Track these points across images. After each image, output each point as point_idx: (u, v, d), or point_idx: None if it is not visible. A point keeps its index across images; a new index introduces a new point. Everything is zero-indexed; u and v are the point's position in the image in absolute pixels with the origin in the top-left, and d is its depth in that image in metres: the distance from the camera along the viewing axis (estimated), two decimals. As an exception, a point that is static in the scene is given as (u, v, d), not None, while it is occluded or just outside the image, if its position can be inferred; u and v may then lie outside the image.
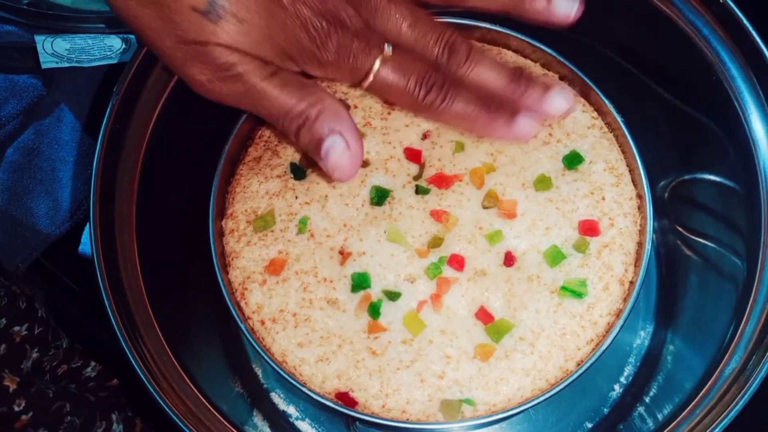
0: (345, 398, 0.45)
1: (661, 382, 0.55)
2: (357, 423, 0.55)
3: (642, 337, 0.59)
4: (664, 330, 0.58)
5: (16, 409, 0.44)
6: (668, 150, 0.60)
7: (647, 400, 0.55)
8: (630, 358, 0.58)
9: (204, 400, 0.46)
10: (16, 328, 0.47)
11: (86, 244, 0.66)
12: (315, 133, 0.40)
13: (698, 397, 0.41)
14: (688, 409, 0.41)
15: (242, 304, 0.48)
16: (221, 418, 0.46)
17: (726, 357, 0.42)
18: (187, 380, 0.47)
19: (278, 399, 0.59)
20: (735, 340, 0.42)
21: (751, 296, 0.43)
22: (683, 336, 0.55)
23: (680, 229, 0.60)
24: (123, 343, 0.44)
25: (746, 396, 0.38)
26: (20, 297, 0.48)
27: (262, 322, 0.47)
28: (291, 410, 0.59)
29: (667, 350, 0.57)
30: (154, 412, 0.46)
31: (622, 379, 0.58)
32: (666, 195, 0.61)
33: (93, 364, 0.56)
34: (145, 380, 0.43)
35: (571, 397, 0.58)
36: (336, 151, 0.40)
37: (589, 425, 0.56)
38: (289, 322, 0.47)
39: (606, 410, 0.57)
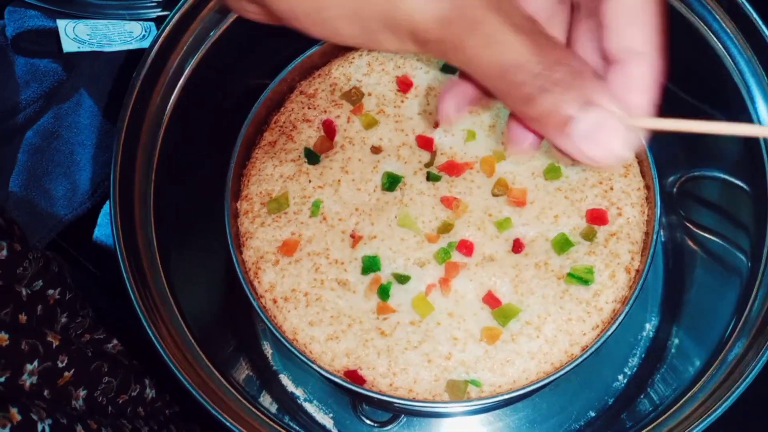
0: (353, 376, 0.46)
1: (664, 373, 0.56)
2: (363, 404, 0.56)
3: (647, 329, 0.60)
4: (670, 323, 0.59)
5: (60, 365, 0.45)
6: (677, 145, 0.60)
7: (651, 390, 0.56)
8: (635, 350, 0.59)
9: (219, 375, 0.47)
10: (50, 291, 0.48)
11: (101, 230, 0.68)
12: (564, 109, 0.26)
13: (701, 381, 0.42)
14: (692, 392, 0.42)
15: (255, 283, 0.49)
16: (236, 393, 0.47)
17: (728, 344, 0.42)
18: (204, 358, 0.48)
19: (287, 381, 0.61)
20: (738, 327, 0.43)
21: (754, 288, 0.44)
22: (687, 328, 0.56)
23: (688, 224, 0.61)
24: (144, 322, 0.45)
25: (747, 380, 0.39)
26: (53, 261, 0.49)
27: (275, 301, 0.48)
28: (299, 392, 0.60)
29: (672, 342, 0.58)
30: (170, 386, 0.47)
31: (627, 370, 0.58)
32: (675, 190, 0.62)
33: (114, 342, 0.57)
34: (165, 357, 0.44)
35: (575, 386, 0.58)
36: (605, 136, 0.26)
37: (593, 414, 0.57)
38: (300, 302, 0.48)
39: (610, 400, 0.58)
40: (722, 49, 0.50)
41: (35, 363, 0.44)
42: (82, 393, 0.47)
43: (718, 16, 0.50)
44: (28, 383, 0.43)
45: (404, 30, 0.27)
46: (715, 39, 0.50)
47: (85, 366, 0.46)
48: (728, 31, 0.50)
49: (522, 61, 0.26)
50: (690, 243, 0.61)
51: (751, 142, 0.50)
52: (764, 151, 0.49)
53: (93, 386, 0.47)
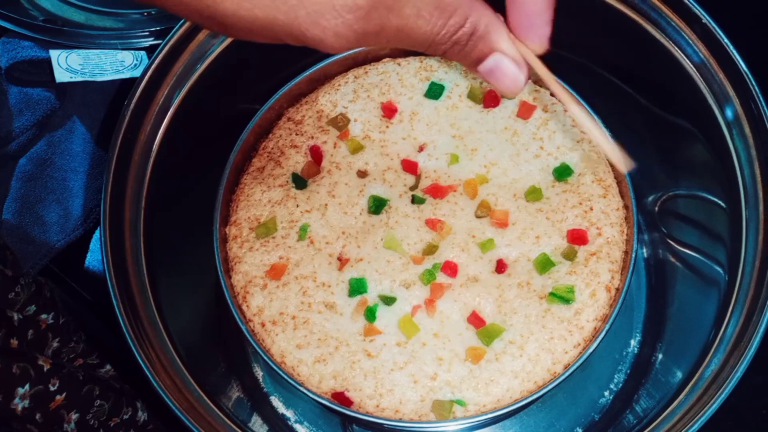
0: (341, 398, 0.47)
1: (649, 388, 0.57)
2: (353, 426, 0.57)
3: (632, 346, 0.61)
4: (653, 339, 0.60)
5: (51, 388, 0.45)
6: (656, 165, 0.62)
7: (636, 406, 0.56)
8: (620, 366, 0.60)
9: (208, 399, 0.48)
10: (43, 316, 0.49)
11: (93, 256, 0.69)
12: (468, 57, 0.34)
13: (680, 397, 0.43)
14: (670, 408, 0.42)
15: (244, 307, 0.50)
16: (224, 417, 0.47)
17: (706, 360, 0.43)
18: (193, 383, 0.49)
19: (277, 403, 0.61)
20: (715, 343, 0.44)
21: (731, 303, 0.45)
22: (670, 344, 0.57)
23: (669, 241, 0.62)
24: (133, 348, 0.46)
25: (723, 395, 0.40)
26: (45, 286, 0.50)
27: (263, 324, 0.49)
28: (290, 414, 0.61)
29: (656, 358, 0.59)
30: (162, 411, 0.48)
31: (612, 386, 0.59)
32: (656, 209, 0.64)
33: (108, 367, 0.57)
34: (154, 382, 0.45)
35: (562, 403, 0.59)
36: (501, 74, 0.35)
37: (580, 430, 0.58)
38: (288, 325, 0.49)
39: (596, 416, 0.58)
40: (696, 74, 0.52)
41: (27, 387, 0.44)
42: (74, 416, 0.47)
43: (691, 41, 0.51)
44: (20, 407, 0.44)
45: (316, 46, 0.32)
46: (688, 63, 0.52)
47: (77, 389, 0.46)
48: (702, 55, 0.52)
49: (435, 31, 0.32)
50: (672, 260, 0.62)
51: (726, 161, 0.51)
52: (737, 170, 0.50)
53: (85, 409, 0.47)
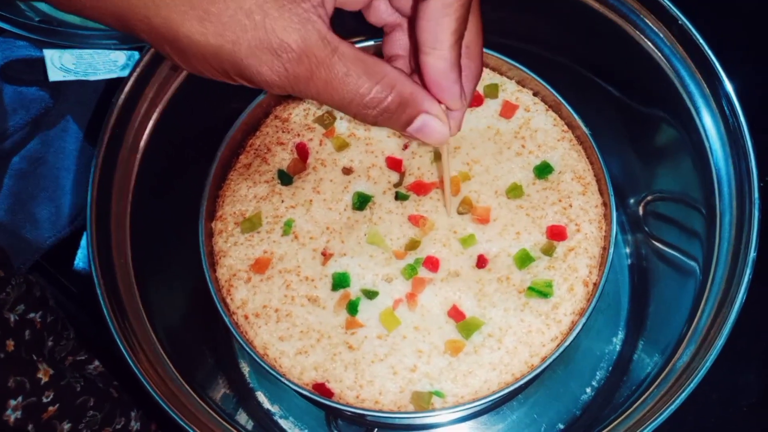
0: (321, 389, 0.47)
1: (630, 385, 0.57)
2: (338, 420, 0.58)
3: (614, 343, 0.61)
4: (635, 336, 0.60)
5: (45, 400, 0.46)
6: (639, 167, 0.63)
7: (617, 401, 0.57)
8: (602, 363, 0.61)
9: (194, 394, 0.48)
10: (32, 315, 0.49)
11: (82, 255, 0.69)
12: (397, 122, 0.38)
13: (651, 388, 0.43)
14: (643, 398, 0.43)
15: (228, 299, 0.51)
16: (210, 410, 0.48)
17: (678, 352, 0.44)
18: (180, 378, 0.50)
19: (263, 398, 0.62)
20: (687, 336, 0.44)
21: (703, 297, 0.46)
22: (650, 341, 0.58)
23: (652, 241, 0.63)
24: (118, 341, 0.47)
25: (692, 385, 0.41)
26: (35, 286, 0.51)
27: (246, 317, 0.50)
28: (275, 409, 0.61)
29: (637, 355, 0.59)
30: (153, 410, 0.48)
31: (594, 383, 0.60)
32: (639, 210, 0.64)
33: (96, 363, 0.58)
34: (143, 380, 0.45)
35: (544, 399, 0.60)
36: (428, 132, 0.39)
37: (561, 426, 0.58)
38: (271, 317, 0.49)
39: (578, 412, 0.59)
40: (674, 74, 0.53)
41: (20, 398, 0.45)
42: (66, 426, 0.48)
43: (669, 41, 0.52)
44: (12, 418, 0.44)
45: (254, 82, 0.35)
46: (666, 64, 0.53)
47: (70, 400, 0.47)
48: (679, 55, 0.53)
49: (361, 92, 0.35)
50: (654, 259, 0.63)
51: (703, 164, 0.52)
52: (713, 172, 0.51)
53: (77, 420, 0.48)
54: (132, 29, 0.34)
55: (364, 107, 0.35)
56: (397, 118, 0.37)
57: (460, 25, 0.35)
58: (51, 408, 0.46)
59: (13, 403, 0.45)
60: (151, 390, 0.45)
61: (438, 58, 0.36)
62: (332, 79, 0.34)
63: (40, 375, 0.46)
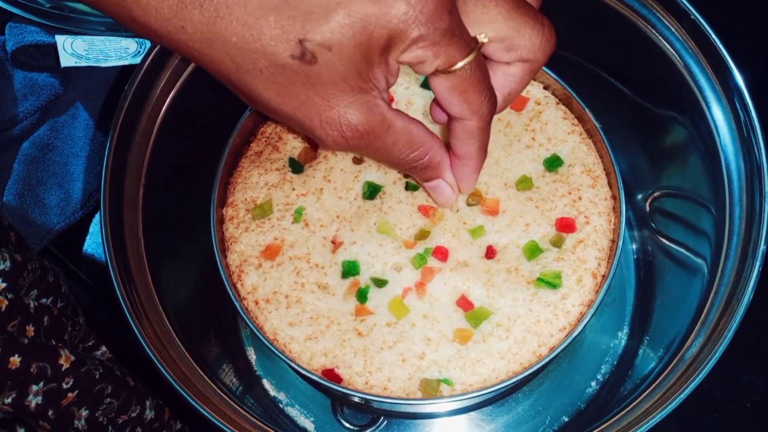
0: (330, 374, 0.48)
1: (635, 379, 0.58)
2: (344, 408, 0.58)
3: (620, 337, 0.62)
4: (640, 331, 0.61)
5: (65, 386, 0.46)
6: (647, 163, 0.63)
7: (622, 395, 0.58)
8: (607, 357, 0.61)
9: (207, 378, 0.49)
10: (44, 300, 0.50)
11: (92, 239, 0.70)
12: (420, 177, 0.47)
13: (656, 382, 0.44)
14: (649, 390, 0.43)
15: (238, 285, 0.51)
16: (222, 394, 0.48)
17: (686, 344, 0.44)
18: (193, 362, 0.50)
19: (269, 386, 0.62)
20: (695, 328, 0.45)
21: (711, 291, 0.46)
22: (655, 336, 0.58)
23: (658, 237, 0.63)
24: (131, 322, 0.47)
25: (701, 376, 0.41)
26: (49, 271, 0.51)
27: (256, 303, 0.50)
28: (281, 396, 0.62)
29: (642, 350, 0.60)
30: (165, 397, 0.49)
31: (599, 377, 0.60)
32: (646, 206, 0.65)
33: (103, 349, 0.58)
34: (156, 362, 0.46)
35: (550, 392, 0.60)
36: (439, 192, 0.48)
37: (566, 419, 0.59)
38: (281, 303, 0.50)
39: (583, 405, 0.59)
40: (685, 69, 0.53)
41: (41, 384, 0.45)
42: (84, 413, 0.48)
43: (680, 36, 0.53)
44: (33, 404, 0.45)
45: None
46: (677, 59, 0.53)
47: (89, 387, 0.47)
48: (691, 50, 0.53)
49: (401, 157, 0.42)
50: (660, 255, 0.63)
51: (713, 159, 0.53)
52: (723, 167, 0.52)
53: (95, 406, 0.48)
54: (201, 65, 0.39)
55: (398, 165, 0.43)
56: (420, 174, 0.45)
57: (482, 144, 0.44)
58: (70, 394, 0.47)
59: (35, 388, 0.45)
60: (164, 371, 0.46)
61: (464, 166, 0.45)
62: (381, 148, 0.41)
63: (61, 361, 0.47)
